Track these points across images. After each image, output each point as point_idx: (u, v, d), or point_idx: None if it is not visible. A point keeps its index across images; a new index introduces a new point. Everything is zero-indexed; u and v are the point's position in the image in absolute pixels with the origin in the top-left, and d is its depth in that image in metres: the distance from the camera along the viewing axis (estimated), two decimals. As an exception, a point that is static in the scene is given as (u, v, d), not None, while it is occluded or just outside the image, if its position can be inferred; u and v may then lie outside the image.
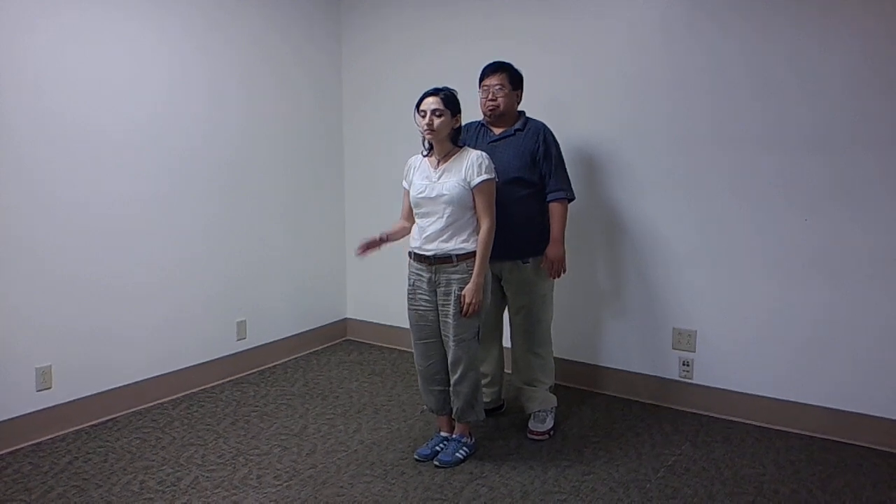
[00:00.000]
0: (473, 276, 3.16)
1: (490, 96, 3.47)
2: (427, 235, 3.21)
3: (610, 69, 3.95)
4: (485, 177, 3.16)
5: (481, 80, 3.52)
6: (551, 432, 3.60)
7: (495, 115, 3.49)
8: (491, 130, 3.55)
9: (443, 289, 3.22)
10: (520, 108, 3.58)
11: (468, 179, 3.16)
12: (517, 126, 3.51)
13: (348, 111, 5.10)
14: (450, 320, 3.21)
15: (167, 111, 4.01)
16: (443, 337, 3.30)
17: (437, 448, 3.38)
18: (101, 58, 3.68)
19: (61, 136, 3.54)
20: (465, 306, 3.16)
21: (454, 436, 3.41)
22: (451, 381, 3.33)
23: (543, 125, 3.54)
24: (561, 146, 3.56)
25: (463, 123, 3.30)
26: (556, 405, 3.68)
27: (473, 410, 3.34)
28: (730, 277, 3.73)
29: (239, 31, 4.37)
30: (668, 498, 2.99)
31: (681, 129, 3.77)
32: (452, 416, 3.42)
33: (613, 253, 4.06)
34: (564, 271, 3.55)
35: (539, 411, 3.62)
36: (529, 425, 3.61)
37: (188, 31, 4.07)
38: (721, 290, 3.76)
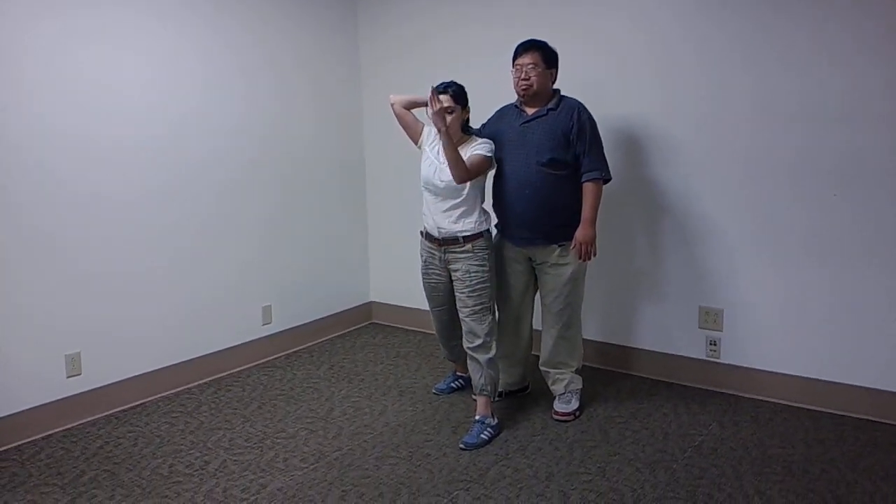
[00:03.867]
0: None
1: (523, 75, 3.35)
2: (436, 215, 3.40)
3: (644, 47, 3.88)
4: (477, 151, 3.33)
5: (515, 59, 3.40)
6: (577, 413, 3.57)
7: (529, 95, 3.38)
8: (524, 111, 3.44)
9: (453, 266, 3.41)
10: (555, 86, 3.48)
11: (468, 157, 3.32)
12: (550, 106, 3.39)
13: (367, 96, 5.07)
14: (462, 295, 3.39)
15: (195, 105, 4.05)
16: (458, 311, 3.46)
17: (453, 385, 3.89)
18: (136, 57, 3.75)
19: (88, 130, 3.58)
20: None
21: (477, 417, 3.42)
22: (468, 350, 3.43)
23: (578, 103, 3.41)
24: (598, 124, 3.44)
25: (497, 108, 3.50)
26: (581, 387, 3.65)
27: (492, 381, 3.42)
28: (757, 255, 3.67)
29: (266, 26, 4.39)
30: (695, 478, 2.97)
31: (713, 108, 3.69)
32: (467, 375, 3.64)
33: (638, 233, 4.01)
34: (595, 255, 3.45)
35: (565, 392, 3.60)
36: (555, 406, 3.60)
37: (216, 26, 4.08)
38: (749, 269, 3.70)
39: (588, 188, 3.37)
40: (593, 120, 3.41)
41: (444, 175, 3.31)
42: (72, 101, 3.51)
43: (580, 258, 3.41)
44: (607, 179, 3.44)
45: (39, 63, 3.38)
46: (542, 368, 3.70)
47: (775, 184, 3.57)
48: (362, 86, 5.10)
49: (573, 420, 3.54)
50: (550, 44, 3.41)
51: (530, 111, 3.42)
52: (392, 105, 3.57)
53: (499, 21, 4.32)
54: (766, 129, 3.56)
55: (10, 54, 3.29)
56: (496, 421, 3.43)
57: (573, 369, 3.63)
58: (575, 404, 3.59)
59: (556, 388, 3.62)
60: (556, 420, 3.54)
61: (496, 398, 3.52)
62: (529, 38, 3.41)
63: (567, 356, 3.61)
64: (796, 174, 3.51)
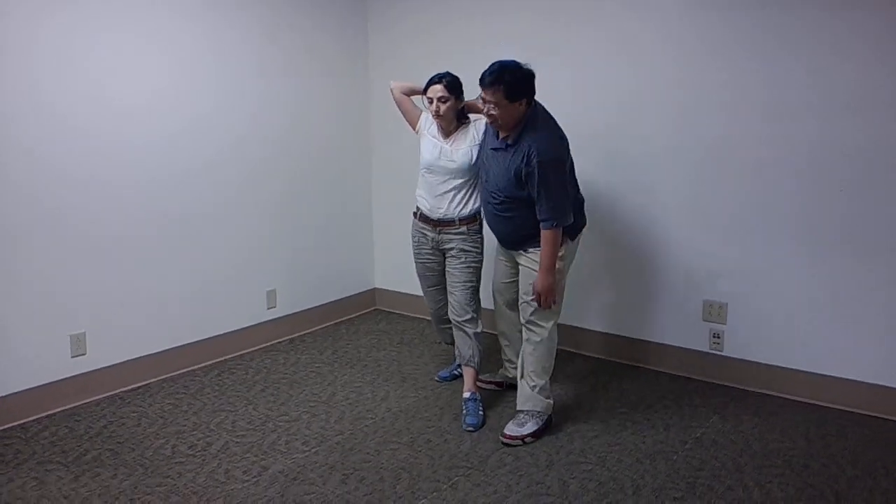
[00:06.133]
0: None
1: (486, 110, 3.10)
2: (436, 197, 3.50)
3: (656, 39, 3.86)
4: None
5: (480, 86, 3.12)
6: (526, 440, 3.21)
7: (496, 127, 3.18)
8: (498, 134, 3.22)
9: (446, 246, 3.53)
10: (538, 100, 3.19)
11: (475, 142, 3.42)
12: (510, 140, 3.12)
13: (375, 86, 5.05)
14: (454, 270, 3.52)
15: (204, 98, 4.08)
16: (448, 286, 3.58)
17: (455, 372, 3.90)
18: (156, 51, 3.80)
19: (101, 120, 3.62)
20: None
21: (468, 395, 3.49)
22: (456, 322, 3.53)
23: (534, 143, 3.03)
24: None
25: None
26: (544, 412, 3.29)
27: (479, 354, 3.54)
28: (762, 249, 3.66)
29: (276, 17, 4.41)
30: (695, 469, 2.97)
31: (720, 100, 3.67)
32: (460, 361, 3.64)
33: (642, 225, 4.00)
34: (556, 302, 3.20)
35: (520, 411, 3.30)
36: (507, 426, 3.28)
37: (229, 18, 4.08)
38: (753, 262, 3.69)
39: (543, 236, 3.09)
40: (548, 162, 3.02)
41: (454, 157, 3.42)
42: (87, 91, 3.55)
43: (539, 306, 3.19)
44: (562, 225, 3.11)
45: (54, 53, 3.40)
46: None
47: (782, 178, 3.55)
48: (370, 76, 5.08)
49: (521, 445, 3.19)
50: (521, 63, 3.07)
51: (501, 135, 3.19)
52: (392, 90, 3.67)
53: (508, 13, 4.29)
54: (770, 122, 3.54)
55: (25, 44, 3.31)
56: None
57: (536, 387, 3.27)
58: (529, 428, 3.23)
59: (518, 402, 3.33)
60: (503, 443, 3.21)
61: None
62: (498, 62, 3.06)
63: (529, 368, 3.28)
64: (804, 168, 3.49)
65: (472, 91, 3.44)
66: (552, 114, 3.23)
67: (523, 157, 3.05)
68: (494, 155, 3.22)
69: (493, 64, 3.07)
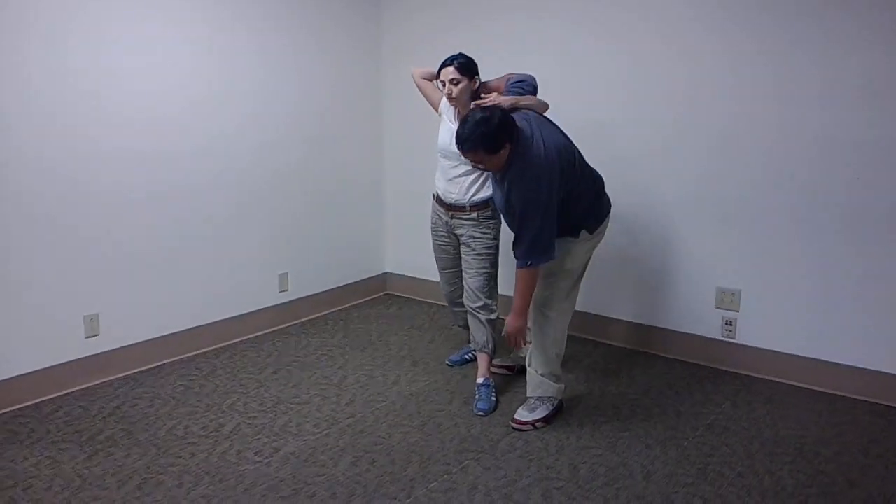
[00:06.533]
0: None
1: (474, 166, 3.12)
2: (448, 181, 3.52)
3: (659, 38, 3.83)
4: None
5: None
6: (537, 425, 3.23)
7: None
8: None
9: (458, 231, 3.55)
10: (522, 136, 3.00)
11: None
12: (497, 177, 3.07)
13: (387, 72, 5.04)
14: (467, 258, 3.54)
15: (220, 86, 4.10)
16: (463, 271, 3.58)
17: (466, 357, 3.93)
18: (170, 45, 3.79)
19: (122, 104, 3.65)
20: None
21: (481, 380, 3.49)
22: (470, 308, 3.53)
23: (512, 183, 2.93)
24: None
25: None
26: (554, 396, 3.30)
27: (493, 340, 3.53)
28: (776, 236, 3.63)
29: (287, 11, 4.41)
30: (705, 456, 2.97)
31: (730, 89, 3.64)
32: (474, 347, 3.63)
33: (656, 212, 3.98)
34: (525, 344, 3.17)
35: (530, 397, 3.31)
36: (517, 411, 3.31)
37: (242, 13, 4.09)
38: (767, 250, 3.67)
39: (517, 274, 3.02)
40: (524, 202, 2.90)
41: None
42: (107, 78, 3.57)
43: (509, 345, 3.18)
44: (538, 265, 3.00)
45: (83, 44, 3.43)
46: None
47: (798, 165, 3.52)
48: (382, 65, 5.07)
49: (531, 430, 3.21)
50: (490, 116, 2.88)
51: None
52: (413, 76, 3.74)
53: (522, 11, 4.27)
54: (787, 110, 3.50)
55: (52, 36, 3.34)
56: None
57: (542, 373, 3.26)
58: (539, 413, 3.25)
59: (527, 389, 3.34)
60: (513, 428, 3.23)
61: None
62: (470, 129, 2.87)
63: (535, 356, 3.27)
64: (820, 155, 3.46)
65: (487, 73, 3.44)
66: (556, 113, 3.17)
67: (505, 186, 2.98)
68: (495, 182, 3.14)
69: (463, 121, 2.93)
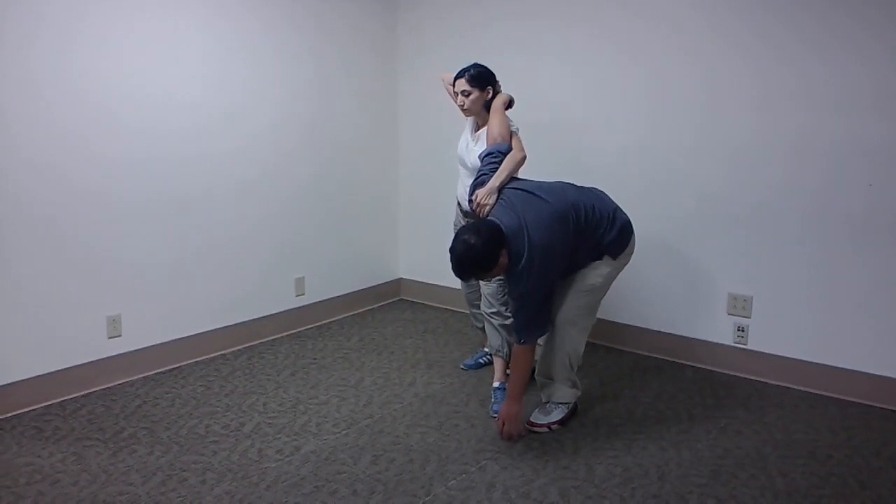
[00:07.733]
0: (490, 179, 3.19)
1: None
2: (465, 187, 3.50)
3: (674, 45, 3.89)
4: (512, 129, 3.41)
5: None
6: (552, 427, 3.27)
7: None
8: None
9: None
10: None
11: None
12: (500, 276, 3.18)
13: (403, 78, 5.11)
14: None
15: (239, 93, 4.17)
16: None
17: (481, 361, 3.99)
18: (189, 47, 3.83)
19: (143, 113, 3.72)
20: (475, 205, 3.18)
21: (497, 384, 3.55)
22: (486, 313, 3.58)
23: (513, 272, 2.96)
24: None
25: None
26: (570, 400, 3.33)
27: (508, 344, 3.52)
28: (789, 242, 3.68)
29: (305, 16, 4.48)
30: (718, 458, 3.01)
31: (740, 97, 3.70)
32: (489, 351, 3.71)
33: (668, 216, 4.03)
34: (517, 433, 3.15)
35: (546, 403, 3.34)
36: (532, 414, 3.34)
37: (260, 17, 4.16)
38: (780, 256, 3.71)
39: (515, 353, 3.13)
40: (522, 292, 2.99)
41: (472, 157, 3.49)
42: (132, 87, 3.64)
43: (501, 437, 3.16)
44: (532, 341, 3.12)
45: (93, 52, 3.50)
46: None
47: (810, 172, 3.57)
48: (398, 72, 5.14)
49: (547, 432, 3.25)
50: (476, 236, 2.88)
51: None
52: (442, 80, 3.80)
53: (539, 18, 4.32)
54: (800, 115, 3.55)
55: (61, 45, 3.40)
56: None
57: (557, 381, 3.30)
58: (555, 416, 3.29)
59: (543, 395, 3.38)
60: (529, 430, 3.25)
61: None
62: (459, 260, 2.88)
63: (553, 366, 3.26)
64: (833, 163, 3.51)
65: (503, 80, 3.51)
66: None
67: (504, 282, 3.21)
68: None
69: (452, 250, 2.90)
